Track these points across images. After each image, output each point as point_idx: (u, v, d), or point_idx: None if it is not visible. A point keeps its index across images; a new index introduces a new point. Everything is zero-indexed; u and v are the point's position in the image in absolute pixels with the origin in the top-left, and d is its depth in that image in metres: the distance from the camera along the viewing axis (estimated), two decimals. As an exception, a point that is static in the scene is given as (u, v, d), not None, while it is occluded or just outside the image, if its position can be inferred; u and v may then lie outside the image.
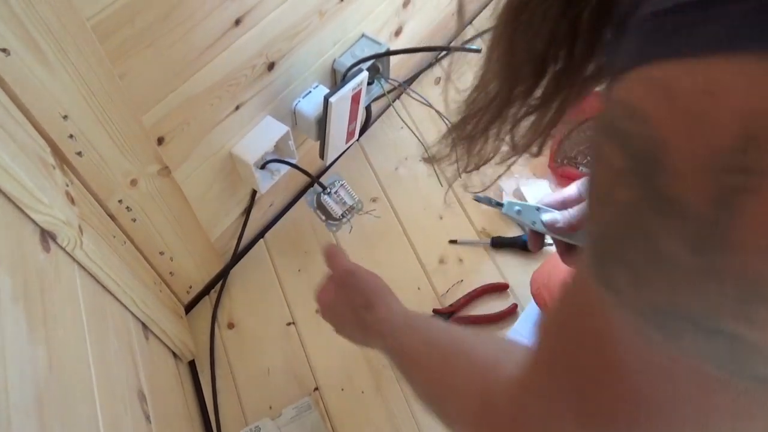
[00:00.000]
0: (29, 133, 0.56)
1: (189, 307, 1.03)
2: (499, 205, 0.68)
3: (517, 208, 0.66)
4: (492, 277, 1.04)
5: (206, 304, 1.04)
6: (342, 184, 0.98)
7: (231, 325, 1.01)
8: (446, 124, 1.07)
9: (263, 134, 0.90)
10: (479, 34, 1.35)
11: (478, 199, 0.70)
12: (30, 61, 0.52)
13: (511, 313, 1.01)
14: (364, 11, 0.99)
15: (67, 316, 0.56)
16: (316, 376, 0.97)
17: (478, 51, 0.83)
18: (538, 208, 0.64)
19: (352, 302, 0.63)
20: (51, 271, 0.54)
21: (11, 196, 0.49)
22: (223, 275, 1.05)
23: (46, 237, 0.55)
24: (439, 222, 1.11)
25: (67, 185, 0.61)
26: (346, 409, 0.94)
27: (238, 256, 1.07)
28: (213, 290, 1.05)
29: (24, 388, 0.42)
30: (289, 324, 1.02)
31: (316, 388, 0.96)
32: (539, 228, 0.64)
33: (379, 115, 1.25)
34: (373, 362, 0.97)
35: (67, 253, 0.59)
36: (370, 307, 0.61)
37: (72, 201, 0.60)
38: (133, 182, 0.73)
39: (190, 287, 0.99)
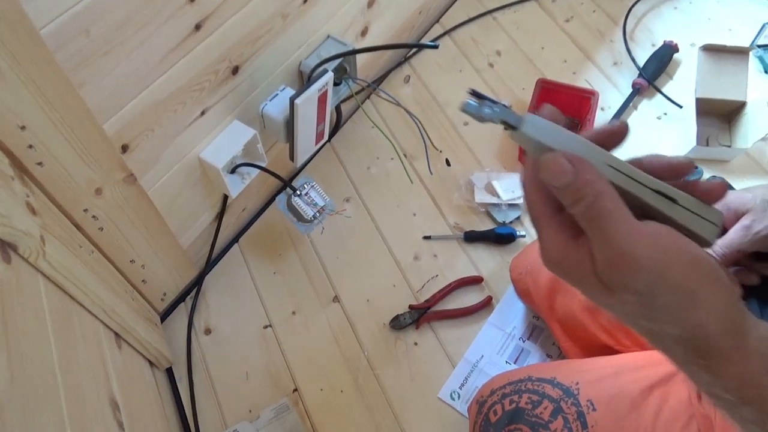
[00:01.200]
0: (-15, 145, 0.56)
1: (165, 315, 1.02)
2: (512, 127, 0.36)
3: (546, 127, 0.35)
4: (466, 271, 1.05)
5: (182, 310, 1.04)
6: (312, 186, 0.99)
7: (208, 331, 1.01)
8: (415, 122, 1.08)
9: (231, 138, 0.91)
10: (446, 32, 1.36)
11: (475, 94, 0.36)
12: (-18, 72, 0.52)
13: (486, 305, 1.02)
14: (328, 12, 0.99)
15: (30, 326, 0.55)
16: (294, 377, 0.97)
17: (436, 47, 0.84)
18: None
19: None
20: (12, 281, 0.54)
21: (-34, 208, 0.49)
22: (198, 281, 1.05)
23: (6, 248, 0.55)
24: (412, 219, 1.12)
25: (28, 196, 0.61)
26: (325, 408, 0.94)
27: (212, 262, 1.07)
28: (188, 297, 1.05)
29: (-17, 398, 0.42)
30: (266, 327, 1.02)
31: (295, 389, 0.96)
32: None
33: (350, 116, 1.26)
34: (350, 361, 0.98)
35: (30, 263, 0.59)
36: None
37: (33, 211, 0.60)
38: (98, 191, 0.73)
39: (165, 294, 0.99)
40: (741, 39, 1.32)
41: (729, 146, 1.15)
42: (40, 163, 0.63)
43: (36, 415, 0.49)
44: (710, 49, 1.18)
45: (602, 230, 0.30)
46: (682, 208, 0.33)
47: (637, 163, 0.34)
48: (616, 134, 0.34)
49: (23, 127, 0.59)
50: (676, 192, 0.33)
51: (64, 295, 0.66)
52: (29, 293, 0.57)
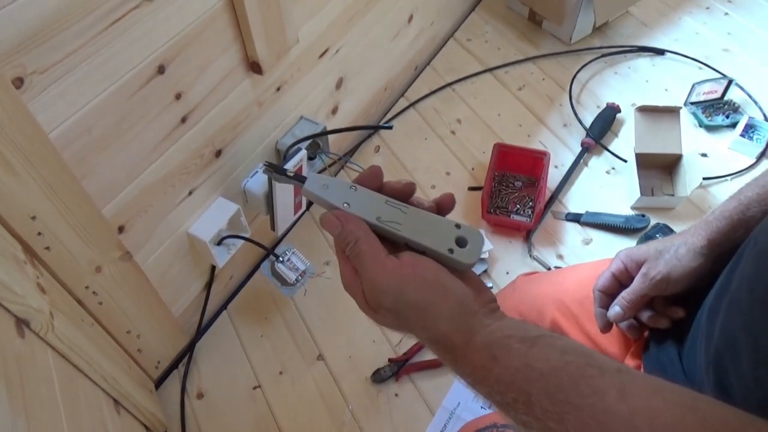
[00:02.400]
0: (1, 235, 0.64)
1: (159, 381, 1.08)
2: (299, 179, 0.43)
3: (323, 182, 0.43)
4: (440, 323, 1.13)
5: (175, 377, 1.09)
6: (294, 252, 1.08)
7: (200, 395, 1.07)
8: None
9: (216, 213, 1.00)
10: (411, 104, 1.49)
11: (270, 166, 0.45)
12: (0, 173, 0.61)
13: (460, 354, 1.09)
14: (300, 96, 1.11)
15: (43, 394, 0.62)
16: (284, 434, 1.03)
17: (390, 128, 0.95)
18: (353, 187, 0.43)
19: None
20: (27, 354, 0.61)
21: (-11, 290, 0.57)
22: (189, 349, 1.11)
23: (21, 324, 0.63)
24: (388, 277, 1.20)
25: (38, 277, 0.69)
26: (314, 463, 0.99)
27: (202, 330, 1.14)
28: (181, 364, 1.11)
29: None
30: (255, 388, 1.08)
31: (285, 446, 1.01)
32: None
33: (327, 185, 1.36)
34: (336, 415, 1.04)
35: (40, 337, 0.66)
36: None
37: (43, 290, 0.68)
38: (98, 269, 0.81)
39: (159, 362, 1.05)
40: (676, 98, 1.46)
41: (672, 195, 1.27)
42: (47, 248, 0.72)
43: (50, 470, 0.55)
44: (644, 110, 1.31)
45: (361, 265, 0.41)
46: (411, 229, 0.41)
47: (384, 186, 0.45)
48: (375, 177, 0.45)
49: (34, 217, 0.68)
50: (405, 218, 0.42)
51: (69, 365, 0.73)
52: (41, 364, 0.65)
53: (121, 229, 0.83)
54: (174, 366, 1.11)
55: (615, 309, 0.62)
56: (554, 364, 0.37)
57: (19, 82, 0.60)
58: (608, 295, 0.66)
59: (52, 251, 0.72)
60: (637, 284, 0.61)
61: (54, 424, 0.62)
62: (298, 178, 0.43)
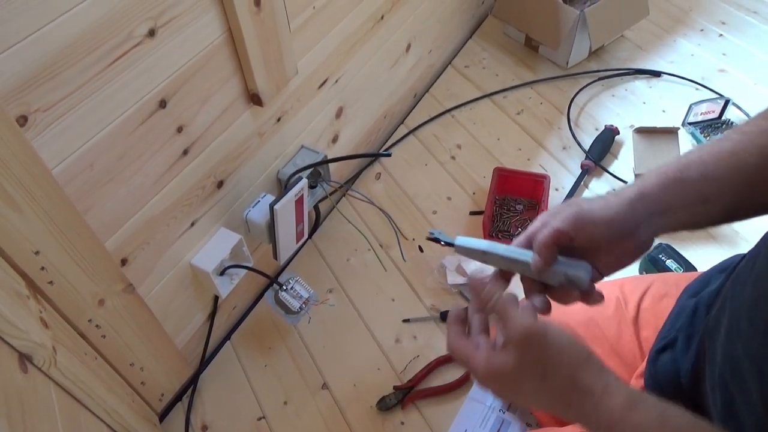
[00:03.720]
0: (5, 271, 0.65)
1: (163, 414, 1.07)
2: (450, 244, 0.59)
3: (468, 247, 0.57)
4: (445, 349, 1.12)
5: (179, 409, 1.09)
6: (297, 280, 1.08)
7: (204, 428, 1.06)
8: (386, 216, 1.19)
9: (219, 244, 1.00)
10: (410, 131, 1.51)
11: (432, 237, 0.61)
12: (4, 209, 0.62)
13: (466, 380, 1.08)
14: (300, 126, 1.13)
15: (46, 429, 0.62)
16: (289, 466, 1.01)
17: (389, 155, 0.96)
18: (484, 252, 0.57)
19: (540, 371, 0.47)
20: (29, 389, 0.61)
21: (-8, 326, 0.58)
22: (193, 380, 1.11)
23: (24, 359, 0.63)
24: (391, 304, 1.20)
25: (41, 311, 0.69)
26: (320, 495, 0.98)
27: (206, 361, 1.13)
28: (185, 396, 1.10)
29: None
30: (259, 419, 1.07)
31: (290, 479, 1.00)
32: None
33: (329, 213, 1.37)
34: (342, 445, 1.03)
35: (43, 372, 0.66)
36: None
37: (46, 325, 0.68)
38: (101, 302, 0.81)
39: (162, 395, 1.05)
40: (674, 119, 1.47)
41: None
42: (50, 282, 0.72)
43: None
44: (643, 131, 1.33)
45: (506, 314, 0.48)
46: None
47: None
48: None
49: (37, 252, 0.68)
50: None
51: (71, 399, 0.73)
52: (43, 399, 0.64)
53: (123, 262, 0.84)
54: (178, 398, 1.10)
55: (534, 257, 0.54)
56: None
57: (23, 120, 0.61)
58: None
59: (55, 285, 0.72)
60: (554, 220, 0.54)
61: (56, 460, 0.62)
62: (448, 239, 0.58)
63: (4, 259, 0.65)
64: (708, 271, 0.72)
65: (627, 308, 0.83)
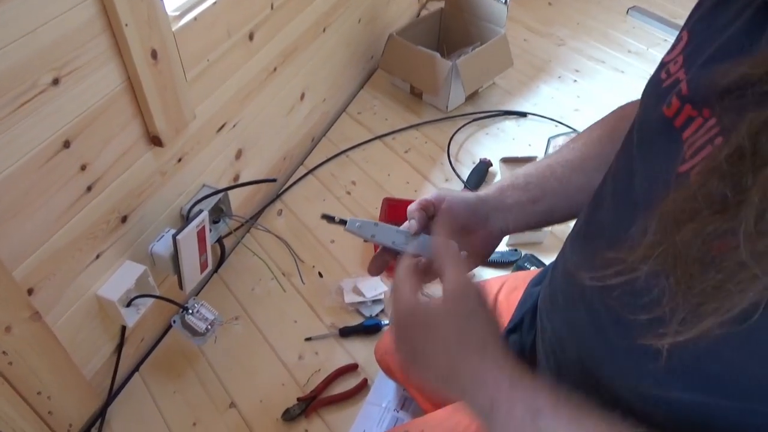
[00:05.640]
0: None
1: (71, 447, 1.10)
2: (343, 222, 0.67)
3: (358, 224, 0.66)
4: (344, 361, 1.23)
5: (88, 441, 1.12)
6: (202, 304, 1.16)
7: (114, 455, 1.10)
8: (286, 245, 1.30)
9: (124, 275, 1.07)
10: (309, 171, 1.64)
11: (326, 217, 0.69)
12: None
13: (362, 387, 1.19)
14: (201, 166, 1.23)
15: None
16: (199, 483, 1.07)
17: (274, 180, 1.09)
18: (375, 224, 0.66)
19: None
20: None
21: None
22: (102, 413, 1.15)
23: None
24: (294, 325, 1.30)
25: (-51, 333, 0.74)
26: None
27: (114, 393, 1.18)
28: (93, 428, 1.13)
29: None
30: (169, 441, 1.12)
31: (201, 494, 1.05)
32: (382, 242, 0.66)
33: (234, 248, 1.46)
34: (250, 458, 1.10)
35: (-48, 388, 0.72)
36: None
37: (-46, 345, 0.74)
38: (8, 329, 0.86)
39: (71, 425, 1.08)
40: (538, 151, 1.71)
41: (539, 230, 1.47)
42: (-42, 308, 0.78)
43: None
44: (507, 161, 1.54)
45: (447, 268, 0.53)
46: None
47: None
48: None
49: (-54, 279, 0.75)
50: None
51: (-21, 418, 0.77)
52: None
53: (30, 291, 0.90)
54: (87, 430, 1.13)
55: (410, 222, 0.66)
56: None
57: (-66, 156, 0.69)
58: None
59: (-38, 311, 0.78)
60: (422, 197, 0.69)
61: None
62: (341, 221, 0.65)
63: None
64: (549, 264, 0.88)
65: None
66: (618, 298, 0.46)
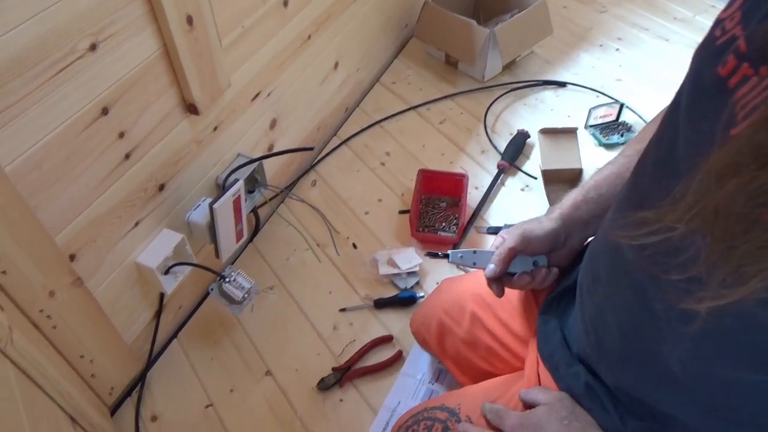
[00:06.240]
0: (-37, 258, 0.72)
1: (114, 408, 1.13)
2: (446, 255, 0.83)
3: (459, 255, 0.80)
4: (378, 332, 1.23)
5: (129, 404, 1.15)
6: (239, 272, 1.16)
7: (154, 418, 1.12)
8: (320, 215, 1.29)
9: (162, 243, 1.08)
10: (343, 142, 1.63)
11: (429, 254, 0.91)
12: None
13: (398, 358, 1.19)
14: (236, 135, 1.23)
15: (6, 407, 0.68)
16: (236, 447, 1.09)
17: (311, 150, 1.08)
18: (474, 251, 0.79)
19: None
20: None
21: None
22: (142, 377, 1.17)
23: (-18, 335, 0.70)
24: (329, 296, 1.30)
25: (-4, 296, 0.76)
26: (266, 471, 1.06)
27: (153, 359, 1.20)
28: (134, 391, 1.16)
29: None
30: (207, 406, 1.14)
31: (238, 458, 1.07)
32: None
33: (269, 218, 1.46)
34: (286, 425, 1.11)
35: (0, 350, 0.73)
36: None
37: (0, 308, 0.75)
38: (51, 293, 0.88)
39: (112, 389, 1.10)
40: (577, 122, 1.65)
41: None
42: (4, 272, 0.79)
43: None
44: (546, 132, 1.49)
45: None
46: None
47: None
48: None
49: (-8, 243, 0.76)
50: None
51: (28, 380, 0.79)
52: (2, 379, 0.71)
53: (72, 257, 0.91)
54: (128, 393, 1.16)
55: (490, 267, 0.75)
56: None
57: (-23, 122, 0.70)
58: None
59: (8, 275, 0.79)
60: (505, 242, 0.76)
61: None
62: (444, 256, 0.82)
63: (-40, 248, 0.72)
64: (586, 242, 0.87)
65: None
66: (651, 258, 0.46)
